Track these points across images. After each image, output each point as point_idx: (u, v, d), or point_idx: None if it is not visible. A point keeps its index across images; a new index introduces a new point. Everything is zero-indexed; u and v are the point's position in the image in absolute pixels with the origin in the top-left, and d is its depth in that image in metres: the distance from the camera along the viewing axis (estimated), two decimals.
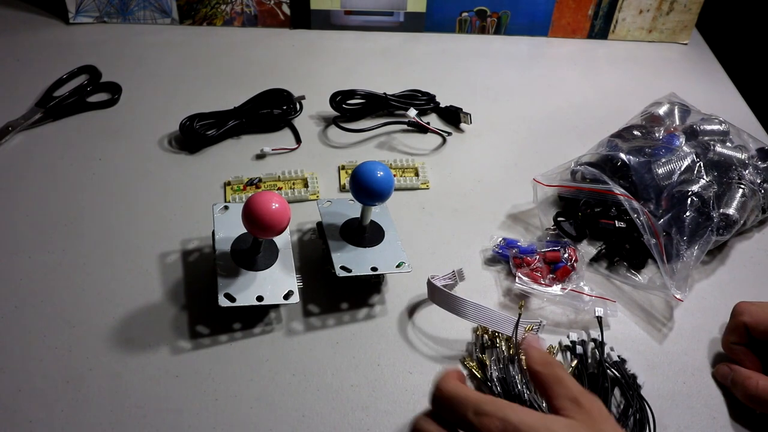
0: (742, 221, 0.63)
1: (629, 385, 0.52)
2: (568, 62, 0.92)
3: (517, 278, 0.59)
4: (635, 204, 0.59)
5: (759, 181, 0.65)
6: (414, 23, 0.94)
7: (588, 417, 0.39)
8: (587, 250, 0.64)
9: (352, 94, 0.77)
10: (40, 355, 0.53)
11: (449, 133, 0.77)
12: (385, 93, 0.78)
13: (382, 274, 0.58)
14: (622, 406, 0.51)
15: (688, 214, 0.60)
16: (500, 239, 0.63)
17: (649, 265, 0.63)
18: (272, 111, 0.76)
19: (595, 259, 0.63)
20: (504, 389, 0.51)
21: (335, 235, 0.59)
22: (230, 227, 0.57)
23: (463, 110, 0.79)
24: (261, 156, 0.72)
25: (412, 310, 0.58)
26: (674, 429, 0.51)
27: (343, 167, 0.71)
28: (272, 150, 0.72)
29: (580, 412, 0.39)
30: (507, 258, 0.62)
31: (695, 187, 0.62)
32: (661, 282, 0.58)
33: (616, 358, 0.54)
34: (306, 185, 0.68)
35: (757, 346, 0.53)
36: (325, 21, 0.93)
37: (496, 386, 0.51)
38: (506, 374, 0.52)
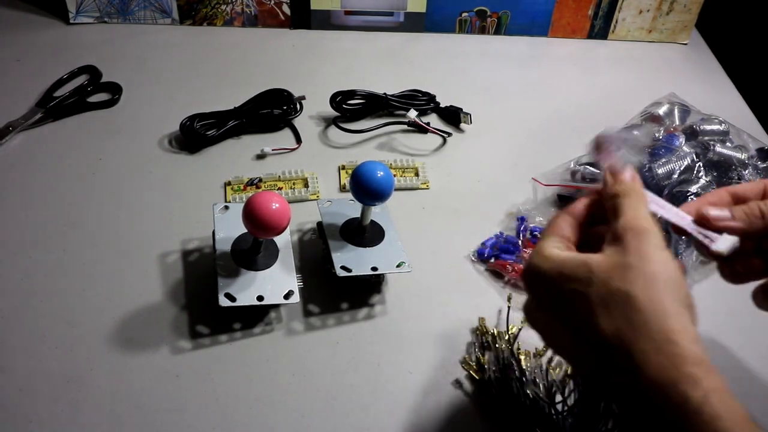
0: None
1: None
2: (568, 62, 0.92)
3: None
4: None
5: None
6: (414, 23, 0.94)
7: (617, 256, 0.37)
8: None
9: (352, 94, 0.77)
10: (40, 355, 0.53)
11: (449, 134, 0.77)
12: (385, 93, 0.78)
13: (382, 274, 0.58)
14: None
15: None
16: (473, 254, 0.63)
17: None
18: (272, 111, 0.76)
19: None
20: (503, 390, 0.51)
21: (335, 235, 0.59)
22: (230, 227, 0.57)
23: (463, 110, 0.79)
24: (261, 156, 0.72)
25: (412, 310, 0.58)
26: None
27: (344, 167, 0.71)
28: (272, 150, 0.73)
29: (614, 250, 0.37)
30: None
31: (695, 187, 0.62)
32: None
33: None
34: (306, 185, 0.68)
35: None
36: (325, 21, 0.93)
37: (494, 387, 0.52)
38: (504, 375, 0.52)
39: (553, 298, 0.38)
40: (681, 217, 0.42)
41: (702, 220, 0.42)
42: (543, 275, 0.39)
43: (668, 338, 0.34)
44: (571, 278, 0.37)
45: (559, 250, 0.39)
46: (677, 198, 0.61)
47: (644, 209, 0.39)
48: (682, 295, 0.36)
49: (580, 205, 0.42)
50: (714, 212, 0.42)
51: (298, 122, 0.77)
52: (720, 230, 0.41)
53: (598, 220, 0.42)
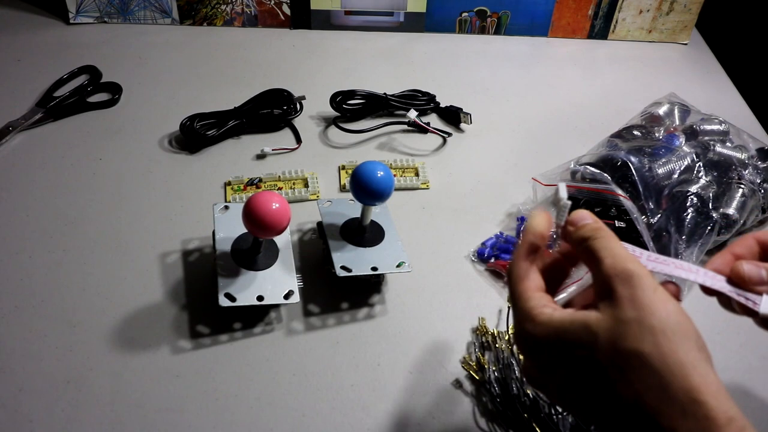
0: (741, 221, 0.63)
1: None
2: (568, 62, 0.92)
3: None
4: (630, 204, 0.59)
5: (759, 181, 0.65)
6: (414, 23, 0.94)
7: (611, 308, 0.34)
8: None
9: (352, 94, 0.77)
10: (40, 355, 0.53)
11: (449, 134, 0.77)
12: (385, 93, 0.78)
13: (383, 274, 0.58)
14: None
15: (687, 213, 0.60)
16: (473, 254, 0.63)
17: None
18: (272, 111, 0.76)
19: None
20: (503, 390, 0.51)
21: (335, 234, 0.59)
22: (230, 227, 0.57)
23: (463, 110, 0.79)
24: (261, 156, 0.72)
25: (412, 310, 0.58)
26: None
27: (344, 167, 0.71)
28: (272, 150, 0.73)
29: (605, 302, 0.34)
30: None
31: (695, 187, 0.62)
32: (659, 280, 0.58)
33: None
34: (306, 185, 0.68)
35: None
36: (326, 21, 0.93)
37: (494, 387, 0.52)
38: (504, 375, 0.52)
39: (560, 364, 0.35)
40: (712, 277, 0.39)
41: (737, 279, 0.39)
42: (541, 343, 0.35)
43: (692, 398, 0.31)
44: (574, 345, 0.34)
45: (550, 310, 0.36)
46: (677, 198, 0.61)
47: (620, 247, 0.36)
48: (693, 338, 0.33)
49: (527, 246, 0.38)
50: (748, 270, 0.39)
51: (298, 122, 0.77)
52: (758, 293, 0.38)
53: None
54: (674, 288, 0.39)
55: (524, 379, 0.37)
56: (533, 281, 0.38)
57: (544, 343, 0.35)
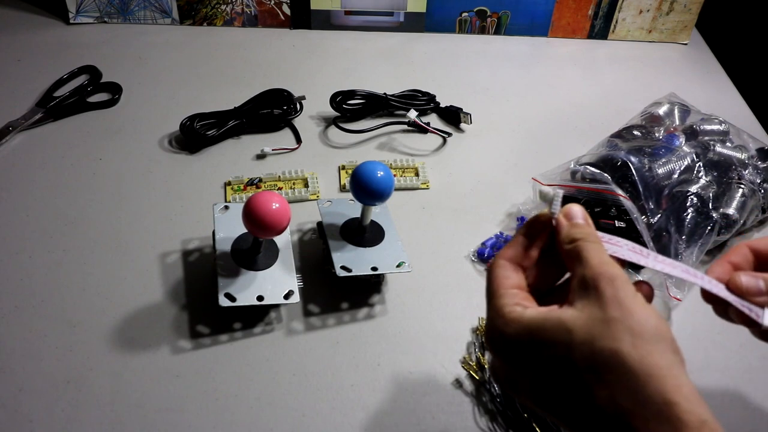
0: (741, 221, 0.63)
1: None
2: (568, 62, 0.92)
3: None
4: (630, 204, 0.59)
5: (759, 181, 0.65)
6: (414, 23, 0.94)
7: (591, 305, 0.33)
8: None
9: (352, 94, 0.77)
10: (40, 355, 0.53)
11: (449, 134, 0.77)
12: (385, 93, 0.78)
13: (383, 274, 0.58)
14: None
15: (687, 213, 0.60)
16: (473, 254, 0.63)
17: None
18: (272, 111, 0.76)
19: None
20: (502, 390, 0.51)
21: (335, 234, 0.59)
22: (230, 227, 0.58)
23: (463, 110, 0.79)
24: (261, 156, 0.73)
25: (412, 310, 0.58)
26: None
27: (344, 167, 0.71)
28: (272, 150, 0.73)
29: (585, 300, 0.34)
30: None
31: (695, 187, 0.62)
32: (660, 282, 0.58)
33: None
34: (306, 185, 0.68)
35: None
36: (326, 21, 0.93)
37: (494, 387, 0.52)
38: None
39: (531, 364, 0.34)
40: (716, 285, 0.39)
41: (736, 291, 0.39)
42: (512, 341, 0.35)
43: (666, 400, 0.31)
44: (547, 343, 0.33)
45: (521, 308, 0.35)
46: (677, 198, 0.61)
47: (606, 255, 0.36)
48: (668, 341, 0.33)
49: (517, 245, 0.39)
50: (746, 282, 0.39)
51: (298, 122, 0.77)
52: (757, 304, 0.38)
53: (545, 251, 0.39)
54: (647, 288, 0.39)
55: (491, 379, 0.36)
56: (511, 279, 0.37)
57: (514, 342, 0.35)
